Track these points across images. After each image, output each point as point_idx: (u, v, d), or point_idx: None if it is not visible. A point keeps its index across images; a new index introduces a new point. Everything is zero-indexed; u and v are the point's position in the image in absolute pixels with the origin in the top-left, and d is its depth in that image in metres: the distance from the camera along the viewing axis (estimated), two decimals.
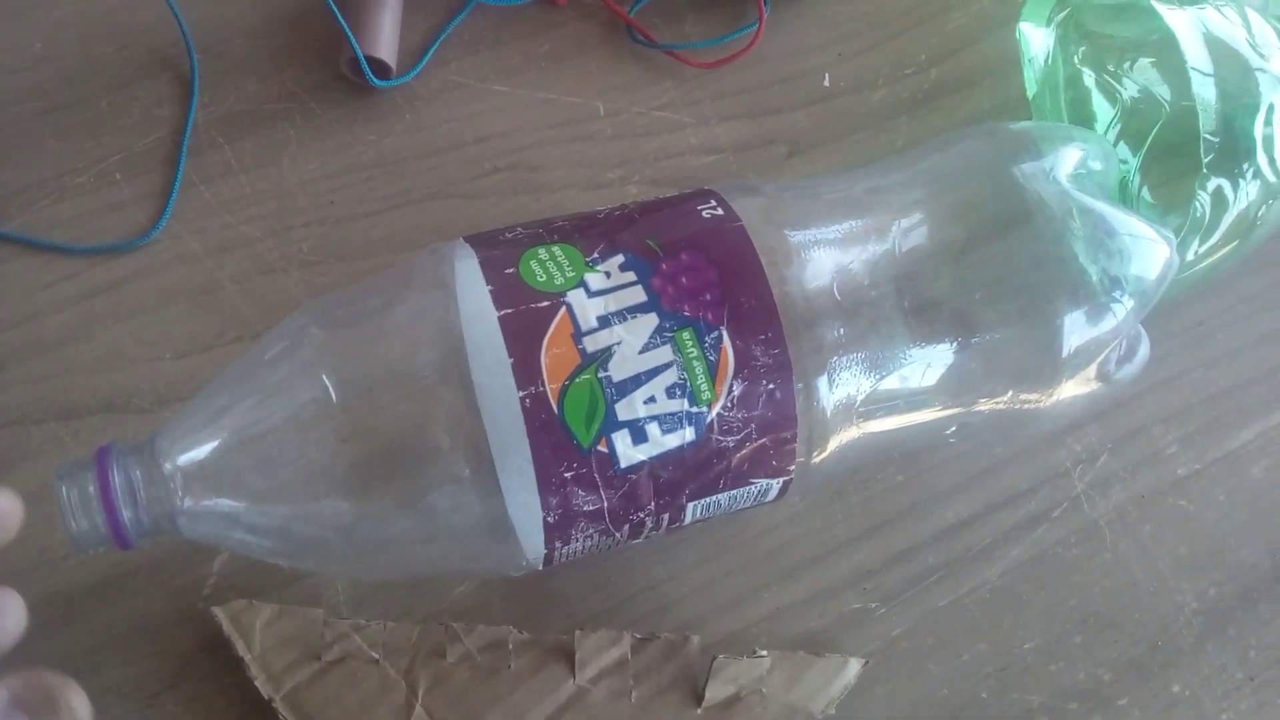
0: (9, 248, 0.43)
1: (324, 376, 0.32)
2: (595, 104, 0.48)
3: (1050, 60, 0.47)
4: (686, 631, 0.38)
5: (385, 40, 0.45)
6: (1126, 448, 0.43)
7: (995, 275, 0.36)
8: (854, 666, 0.39)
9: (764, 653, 0.38)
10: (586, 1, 0.49)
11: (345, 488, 0.32)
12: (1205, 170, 0.42)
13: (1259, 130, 0.43)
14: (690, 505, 0.34)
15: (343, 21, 0.44)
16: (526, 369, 0.31)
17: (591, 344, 0.32)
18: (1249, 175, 0.43)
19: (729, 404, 0.32)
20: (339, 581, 0.39)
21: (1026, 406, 0.36)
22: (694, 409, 0.32)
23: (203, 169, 0.45)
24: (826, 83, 0.49)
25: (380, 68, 0.45)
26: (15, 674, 0.30)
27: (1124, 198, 0.44)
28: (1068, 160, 0.37)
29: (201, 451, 0.32)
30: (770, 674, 0.38)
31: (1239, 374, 0.45)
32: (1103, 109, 0.45)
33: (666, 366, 0.32)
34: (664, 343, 0.32)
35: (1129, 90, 0.45)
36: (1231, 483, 0.43)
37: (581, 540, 0.33)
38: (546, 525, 0.32)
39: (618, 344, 0.32)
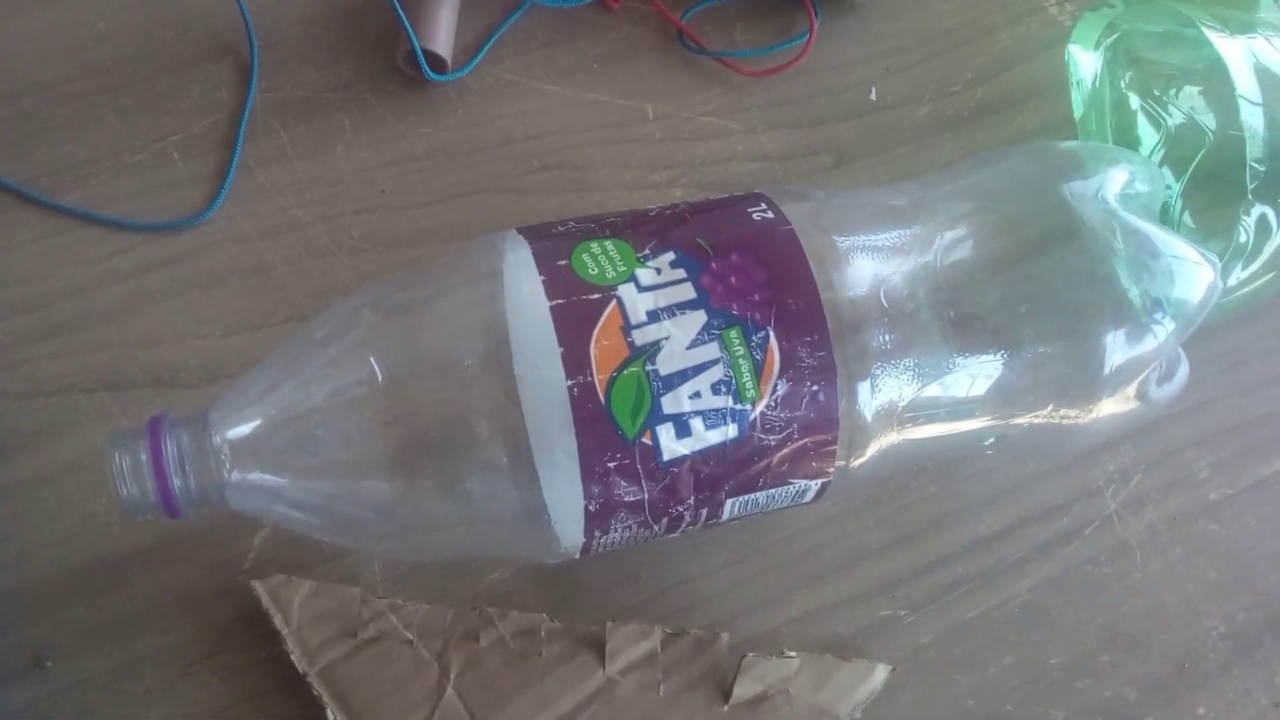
0: (66, 220, 0.44)
1: (372, 359, 0.33)
2: (644, 107, 0.48)
3: (1098, 83, 0.47)
4: (716, 629, 0.39)
5: (442, 36, 0.46)
6: (1159, 470, 0.44)
7: (1038, 291, 0.36)
8: (881, 672, 0.39)
9: (792, 654, 0.38)
10: (639, 6, 0.50)
11: (387, 469, 0.32)
12: (1250, 197, 0.42)
13: None
14: (729, 502, 0.34)
15: (402, 15, 0.45)
16: (575, 359, 0.32)
17: (640, 337, 0.32)
18: None
19: (773, 403, 0.33)
20: (376, 561, 0.39)
21: (1065, 422, 0.37)
22: (738, 406, 0.32)
23: (258, 153, 0.45)
24: (873, 96, 0.50)
25: (436, 62, 0.46)
26: None
27: (1166, 222, 0.44)
28: (1115, 181, 0.38)
29: (250, 426, 0.33)
30: (798, 675, 0.38)
31: (1273, 402, 0.45)
32: (1147, 134, 0.45)
33: (713, 363, 0.32)
34: (711, 340, 0.32)
35: (1174, 117, 0.45)
36: (1263, 509, 0.43)
37: (620, 531, 0.34)
38: (587, 514, 0.33)
39: (666, 339, 0.32)
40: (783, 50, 0.50)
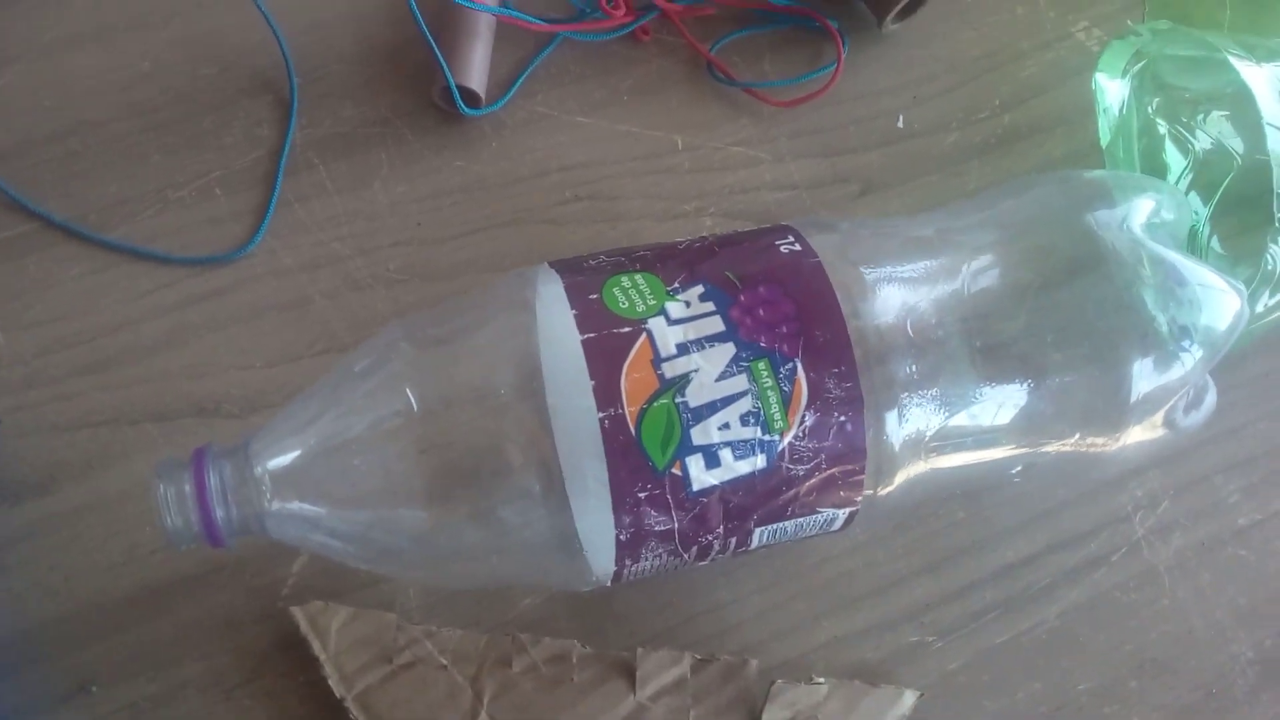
0: (111, 256, 0.45)
1: (408, 390, 0.33)
2: (674, 138, 0.49)
3: (1125, 110, 0.47)
4: (745, 655, 0.39)
5: (476, 71, 0.47)
6: (1188, 495, 0.44)
7: (1065, 320, 0.37)
8: (909, 699, 0.39)
9: (821, 680, 0.38)
10: (669, 39, 0.51)
11: (422, 498, 0.33)
12: (1278, 224, 0.43)
13: None
14: (757, 531, 0.35)
15: (437, 52, 0.46)
16: (607, 391, 0.32)
17: (670, 370, 0.33)
18: None
19: (801, 434, 0.33)
20: (411, 588, 0.40)
21: (1093, 450, 0.37)
22: (766, 437, 0.33)
23: (298, 188, 0.47)
24: (900, 124, 0.50)
25: (470, 97, 0.47)
26: None
27: (1193, 248, 0.44)
28: (1141, 210, 0.38)
29: (290, 457, 0.34)
30: (827, 701, 0.38)
31: None
32: (1175, 159, 0.46)
33: (742, 395, 0.33)
34: (740, 372, 0.33)
35: (1201, 142, 0.45)
36: None
37: (650, 560, 0.34)
38: (619, 543, 0.33)
39: (695, 371, 0.33)
40: (811, 80, 0.50)
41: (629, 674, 0.38)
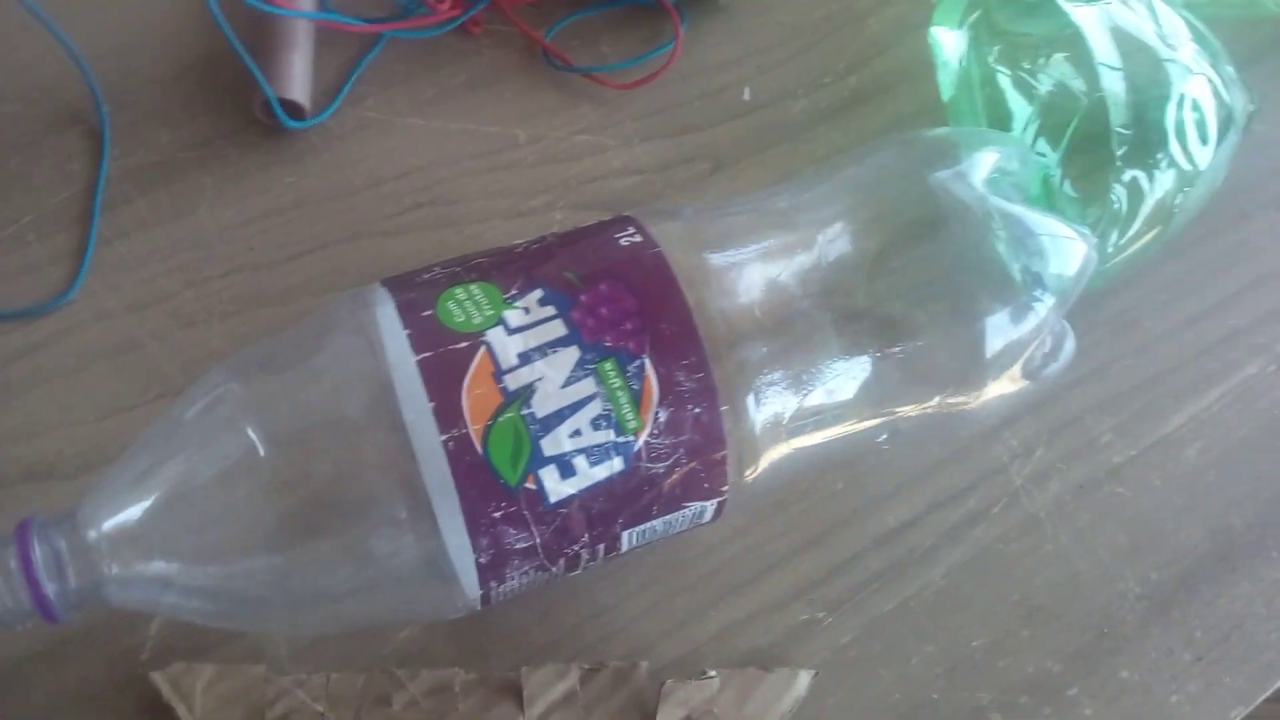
0: None
1: (249, 430, 0.32)
2: (514, 131, 0.47)
3: (964, 62, 0.47)
4: (635, 657, 0.38)
5: (297, 81, 0.45)
6: (1061, 439, 0.44)
7: (918, 281, 0.36)
8: (804, 679, 0.39)
9: (713, 673, 0.38)
10: (501, 29, 0.49)
11: (278, 540, 0.31)
12: (1119, 163, 0.43)
13: (1170, 120, 0.43)
14: (625, 534, 0.34)
15: (252, 65, 0.43)
16: (448, 412, 0.31)
17: (513, 382, 0.31)
18: (1163, 165, 0.43)
19: (655, 431, 0.32)
20: (279, 636, 0.38)
21: (956, 409, 0.37)
22: (620, 439, 0.32)
23: (117, 224, 0.44)
24: (746, 96, 0.49)
25: (294, 109, 0.45)
26: None
27: (1047, 192, 0.44)
28: (983, 164, 0.38)
29: (126, 516, 0.32)
30: (720, 694, 0.37)
31: (1167, 359, 0.46)
32: (1019, 106, 0.46)
33: (590, 399, 0.32)
34: (586, 375, 0.32)
35: (1044, 85, 0.45)
36: (1166, 467, 0.44)
37: (517, 578, 0.33)
38: (479, 566, 0.32)
39: (539, 380, 0.31)
40: (651, 59, 0.49)
41: (516, 694, 0.37)
